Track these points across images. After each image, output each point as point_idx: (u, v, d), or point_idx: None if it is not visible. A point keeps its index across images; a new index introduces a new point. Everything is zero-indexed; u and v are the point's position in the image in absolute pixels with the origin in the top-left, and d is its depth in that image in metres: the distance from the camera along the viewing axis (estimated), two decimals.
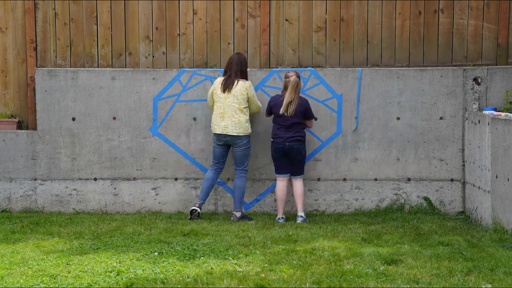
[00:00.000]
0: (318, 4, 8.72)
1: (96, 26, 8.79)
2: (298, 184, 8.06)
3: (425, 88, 8.41)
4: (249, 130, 8.05)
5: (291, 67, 8.68)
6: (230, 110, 7.94)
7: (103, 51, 8.81)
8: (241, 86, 7.96)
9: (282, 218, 8.01)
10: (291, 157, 8.00)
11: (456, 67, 8.45)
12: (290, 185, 8.17)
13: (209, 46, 8.81)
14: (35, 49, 8.79)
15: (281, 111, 7.90)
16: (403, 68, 8.50)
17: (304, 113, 7.99)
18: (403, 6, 8.68)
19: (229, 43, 8.78)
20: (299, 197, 8.03)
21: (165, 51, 8.81)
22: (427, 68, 8.48)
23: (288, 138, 7.94)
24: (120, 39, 8.79)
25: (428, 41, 8.67)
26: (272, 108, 8.04)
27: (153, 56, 8.81)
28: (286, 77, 7.97)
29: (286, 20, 8.75)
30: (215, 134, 8.04)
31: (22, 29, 8.79)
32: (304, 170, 8.13)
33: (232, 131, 7.93)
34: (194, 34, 8.80)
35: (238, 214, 8.07)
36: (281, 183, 8.08)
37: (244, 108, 7.98)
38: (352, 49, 8.72)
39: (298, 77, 7.96)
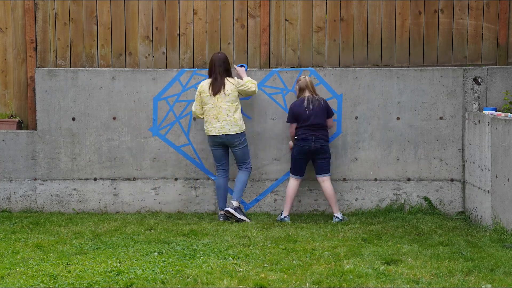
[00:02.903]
0: (318, 4, 8.71)
1: (96, 26, 8.79)
2: (327, 184, 8.05)
3: (425, 88, 8.41)
4: (244, 128, 8.04)
5: (291, 67, 8.68)
6: (224, 110, 7.93)
7: (103, 51, 8.80)
8: (230, 85, 7.96)
9: (287, 217, 8.02)
10: (315, 157, 7.99)
11: (456, 67, 8.45)
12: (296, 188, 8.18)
13: (209, 46, 8.81)
14: (35, 49, 8.79)
15: (307, 111, 7.90)
16: (403, 68, 8.50)
17: (327, 111, 8.01)
18: (403, 6, 8.68)
19: (229, 43, 8.78)
20: (331, 198, 8.02)
21: (165, 51, 8.81)
22: (427, 68, 8.48)
23: (313, 139, 7.92)
24: (120, 39, 8.79)
25: (428, 41, 8.67)
26: (295, 113, 7.98)
27: (153, 56, 8.81)
28: (298, 80, 8.10)
29: (286, 20, 8.75)
30: (210, 136, 8.01)
31: (22, 29, 8.79)
32: (330, 169, 8.12)
33: (229, 130, 7.93)
34: (194, 34, 8.80)
35: (235, 204, 7.96)
36: (295, 182, 8.07)
37: (236, 105, 7.98)
38: (352, 49, 8.72)
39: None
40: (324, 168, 8.05)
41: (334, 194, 8.04)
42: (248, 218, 8.02)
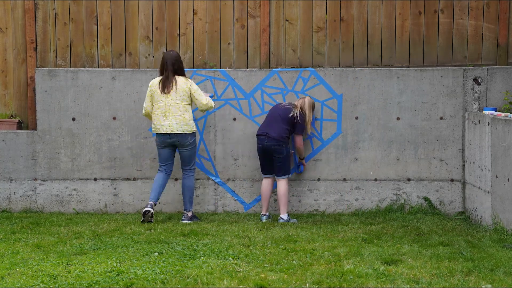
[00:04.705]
0: (318, 4, 8.72)
1: (96, 26, 8.80)
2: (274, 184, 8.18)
3: (425, 88, 8.41)
4: (195, 128, 7.90)
5: (291, 67, 8.68)
6: (174, 108, 7.80)
7: (103, 51, 8.81)
8: (181, 83, 7.83)
9: (265, 215, 8.08)
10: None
11: (456, 67, 8.45)
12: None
13: (209, 46, 8.81)
14: (35, 49, 8.79)
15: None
16: (403, 68, 8.50)
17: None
18: (403, 6, 8.68)
19: (229, 43, 8.78)
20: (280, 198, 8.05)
21: (165, 51, 8.80)
22: (427, 68, 8.48)
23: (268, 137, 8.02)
24: (120, 39, 8.79)
25: (428, 41, 8.67)
26: None
27: (153, 56, 8.81)
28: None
29: (286, 20, 8.75)
30: (158, 135, 7.87)
31: (22, 29, 8.79)
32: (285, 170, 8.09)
33: (177, 129, 7.80)
34: (194, 34, 8.81)
35: (190, 214, 7.97)
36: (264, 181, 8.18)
37: (186, 104, 7.83)
38: (352, 49, 8.72)
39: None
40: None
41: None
42: (197, 218, 8.05)
